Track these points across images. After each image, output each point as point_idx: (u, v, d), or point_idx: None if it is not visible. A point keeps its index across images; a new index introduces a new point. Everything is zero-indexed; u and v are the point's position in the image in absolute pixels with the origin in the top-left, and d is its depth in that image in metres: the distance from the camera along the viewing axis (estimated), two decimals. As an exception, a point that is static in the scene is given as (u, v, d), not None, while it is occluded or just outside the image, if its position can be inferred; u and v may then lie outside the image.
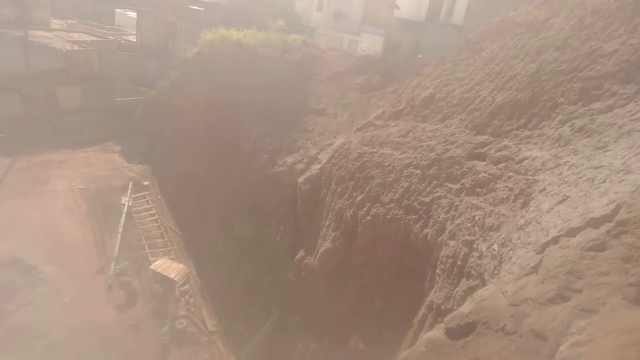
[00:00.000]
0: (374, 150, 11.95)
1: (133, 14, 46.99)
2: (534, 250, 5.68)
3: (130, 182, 20.22)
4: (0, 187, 19.52)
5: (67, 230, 16.98)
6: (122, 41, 37.67)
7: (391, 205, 9.92)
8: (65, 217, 17.69)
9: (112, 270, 14.92)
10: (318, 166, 13.38)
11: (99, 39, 37.47)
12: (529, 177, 7.64)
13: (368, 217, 10.24)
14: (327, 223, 11.72)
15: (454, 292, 7.53)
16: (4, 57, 30.87)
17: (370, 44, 33.57)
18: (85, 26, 44.96)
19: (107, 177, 20.95)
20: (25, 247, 15.51)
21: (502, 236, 7.20)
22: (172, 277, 14.73)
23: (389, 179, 10.43)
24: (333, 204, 11.80)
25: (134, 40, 37.70)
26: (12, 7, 49.62)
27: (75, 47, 32.36)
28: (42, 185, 19.84)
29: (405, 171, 10.11)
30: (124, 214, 17.80)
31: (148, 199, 19.33)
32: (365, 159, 11.78)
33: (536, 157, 7.89)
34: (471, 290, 7.07)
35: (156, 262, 15.24)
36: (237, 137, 17.52)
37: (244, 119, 17.96)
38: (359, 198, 10.99)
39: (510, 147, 8.56)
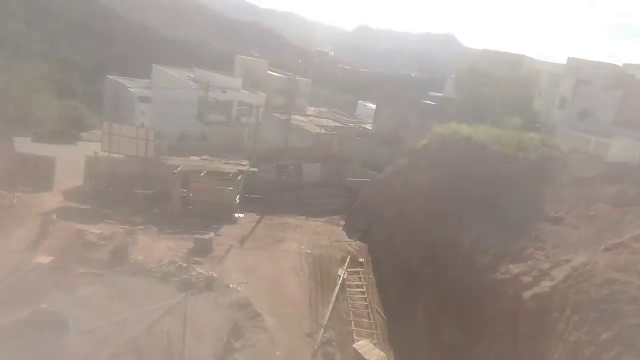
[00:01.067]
0: (629, 279, 10.00)
1: (372, 106, 53.18)
2: None
3: (348, 256, 21.75)
4: (249, 237, 23.66)
5: (290, 288, 19.12)
6: (360, 128, 42.80)
7: (656, 358, 7.90)
8: (290, 276, 20.05)
9: (320, 337, 15.92)
10: (550, 284, 11.85)
11: (341, 125, 43.51)
12: None
13: (618, 366, 8.37)
14: (556, 356, 10.06)
15: None
16: (271, 134, 38.61)
17: (624, 148, 29.22)
18: (332, 114, 52.99)
19: (330, 247, 23.10)
20: (256, 294, 18.03)
21: None
22: (371, 362, 14.75)
23: (653, 322, 8.43)
24: (566, 334, 10.13)
25: (370, 128, 42.37)
26: (281, 96, 62.57)
27: (322, 131, 38.24)
28: (279, 243, 23.19)
29: (679, 318, 8.02)
30: (338, 285, 19.10)
31: (361, 275, 20.34)
32: (616, 288, 9.92)
33: None
34: None
35: (359, 342, 15.59)
36: (457, 233, 17.16)
37: (466, 214, 17.59)
38: (603, 336, 9.17)
39: None
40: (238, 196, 27.16)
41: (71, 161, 28.29)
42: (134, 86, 59.30)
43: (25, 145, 29.98)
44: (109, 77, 63.09)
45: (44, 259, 17.57)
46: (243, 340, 15.80)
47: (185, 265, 19.06)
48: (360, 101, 63.63)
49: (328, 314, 17.25)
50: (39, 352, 12.46)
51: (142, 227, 22.54)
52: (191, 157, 31.75)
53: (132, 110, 56.23)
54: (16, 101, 45.02)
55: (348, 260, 21.32)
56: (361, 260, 21.71)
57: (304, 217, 27.16)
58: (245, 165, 31.03)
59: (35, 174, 25.31)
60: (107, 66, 73.29)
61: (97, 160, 26.73)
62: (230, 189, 26.28)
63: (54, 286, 15.86)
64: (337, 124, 44.07)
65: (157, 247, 20.64)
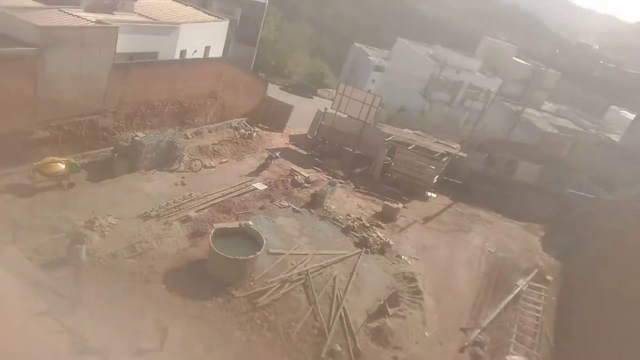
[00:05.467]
0: None
1: (629, 115, 43.91)
2: None
3: (535, 270, 19.55)
4: (434, 218, 23.51)
5: (459, 279, 18.48)
6: (603, 137, 36.09)
7: None
8: (464, 267, 19.31)
9: (474, 336, 15.14)
10: None
11: (579, 129, 37.51)
12: None
13: None
14: None
15: None
16: (494, 124, 36.24)
17: None
18: (572, 114, 46.00)
19: (518, 253, 21.12)
20: (423, 272, 17.97)
21: None
22: (520, 381, 13.37)
23: None
24: None
25: (616, 139, 35.29)
26: (519, 85, 57.25)
27: (554, 131, 33.77)
28: (462, 233, 22.38)
29: None
30: (512, 294, 17.55)
31: (542, 294, 18.08)
32: None
33: None
34: None
35: (514, 357, 14.25)
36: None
37: None
38: None
39: None
40: (437, 176, 26.91)
41: (304, 112, 32.67)
42: (374, 55, 63.06)
43: (274, 91, 35.92)
44: (356, 44, 68.52)
45: (260, 186, 21.35)
46: (397, 309, 16.17)
47: (368, 225, 20.30)
48: (613, 106, 53.08)
49: (490, 318, 16.15)
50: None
51: (342, 181, 24.81)
52: (405, 130, 32.56)
53: (366, 76, 60.25)
54: (279, 54, 53.79)
55: (534, 273, 19.18)
56: (549, 278, 19.20)
57: (500, 215, 25.27)
58: (455, 148, 30.22)
59: (274, 116, 30.29)
60: (358, 35, 79.48)
61: (324, 115, 30.07)
62: (432, 168, 26.21)
63: (259, 209, 19.17)
64: (574, 126, 38.17)
65: (349, 203, 22.52)
